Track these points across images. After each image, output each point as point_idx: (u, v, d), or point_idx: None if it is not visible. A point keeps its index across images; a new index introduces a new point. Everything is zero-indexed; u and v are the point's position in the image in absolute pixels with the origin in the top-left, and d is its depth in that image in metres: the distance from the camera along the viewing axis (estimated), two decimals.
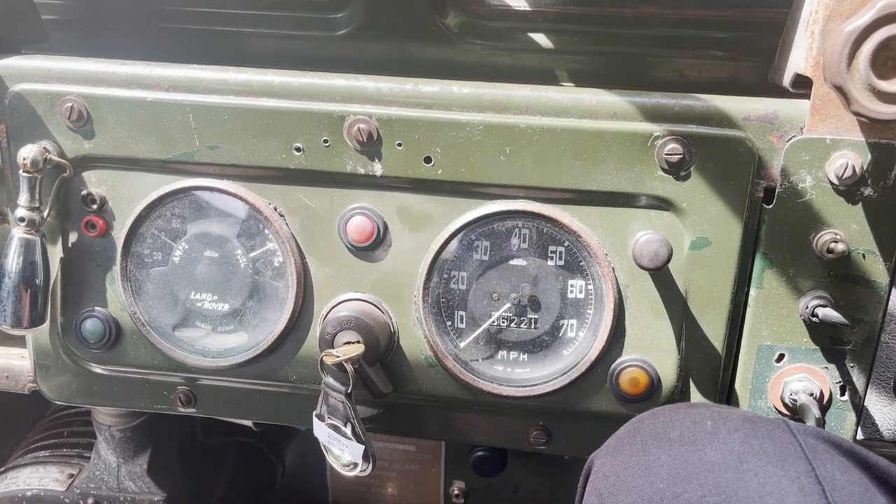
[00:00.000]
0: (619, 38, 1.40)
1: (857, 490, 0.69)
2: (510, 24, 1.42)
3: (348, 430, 1.06)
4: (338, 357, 1.01)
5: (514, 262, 1.06)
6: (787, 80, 1.02)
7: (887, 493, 0.72)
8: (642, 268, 0.98)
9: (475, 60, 1.44)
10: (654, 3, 1.38)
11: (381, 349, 1.06)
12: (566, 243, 1.04)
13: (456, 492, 1.87)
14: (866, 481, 0.72)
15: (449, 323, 1.09)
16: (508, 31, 1.42)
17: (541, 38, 1.42)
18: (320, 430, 1.10)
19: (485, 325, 1.08)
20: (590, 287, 1.05)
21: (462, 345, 1.09)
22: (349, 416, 1.06)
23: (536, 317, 1.07)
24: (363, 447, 1.06)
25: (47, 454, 1.60)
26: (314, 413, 1.10)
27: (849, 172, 0.94)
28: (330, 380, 1.06)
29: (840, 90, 0.90)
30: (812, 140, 0.96)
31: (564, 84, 1.44)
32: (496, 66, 1.44)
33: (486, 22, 1.42)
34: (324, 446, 1.11)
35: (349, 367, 1.02)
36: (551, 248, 1.05)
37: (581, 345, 1.07)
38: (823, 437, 0.76)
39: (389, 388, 1.09)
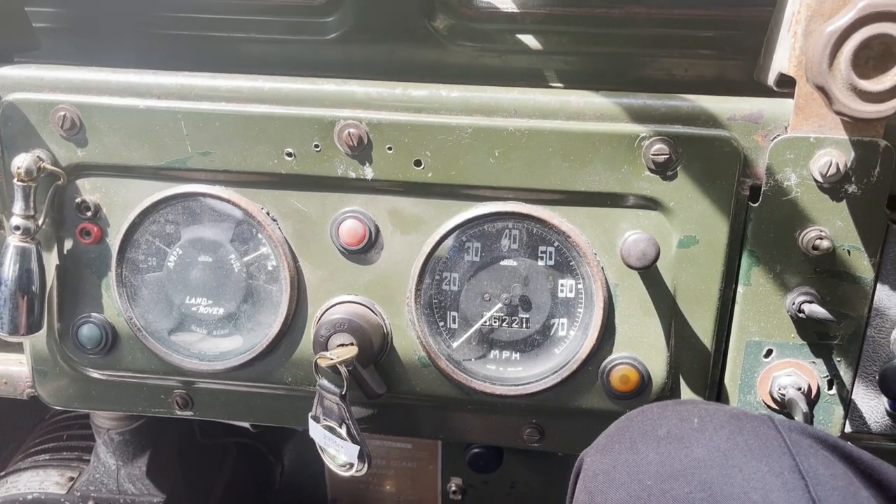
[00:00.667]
0: (607, 38, 1.41)
1: (840, 484, 0.70)
2: (498, 26, 1.43)
3: (343, 431, 1.07)
4: (332, 359, 1.02)
5: (504, 262, 1.07)
6: (771, 80, 1.04)
7: (871, 487, 0.73)
8: (631, 267, 0.99)
9: (464, 62, 1.45)
10: (641, 2, 1.38)
11: (375, 351, 1.07)
12: (556, 243, 1.06)
13: (453, 488, 1.88)
14: (850, 475, 0.73)
15: (441, 324, 1.10)
16: (497, 32, 1.43)
17: (529, 40, 1.43)
18: (316, 432, 1.11)
19: (477, 326, 1.09)
20: (580, 286, 1.07)
21: (455, 345, 1.10)
22: (344, 417, 1.07)
23: (527, 316, 1.08)
24: (358, 448, 1.07)
25: (47, 458, 1.60)
26: (309, 415, 1.11)
27: (833, 170, 0.95)
28: (324, 382, 1.07)
29: (822, 90, 0.91)
30: (796, 139, 0.97)
31: (554, 84, 1.45)
32: (485, 68, 1.45)
33: (474, 24, 1.43)
34: (320, 447, 1.12)
35: (343, 369, 1.03)
36: (541, 248, 1.06)
37: (572, 343, 1.08)
38: (808, 432, 0.77)
39: (383, 388, 1.10)
